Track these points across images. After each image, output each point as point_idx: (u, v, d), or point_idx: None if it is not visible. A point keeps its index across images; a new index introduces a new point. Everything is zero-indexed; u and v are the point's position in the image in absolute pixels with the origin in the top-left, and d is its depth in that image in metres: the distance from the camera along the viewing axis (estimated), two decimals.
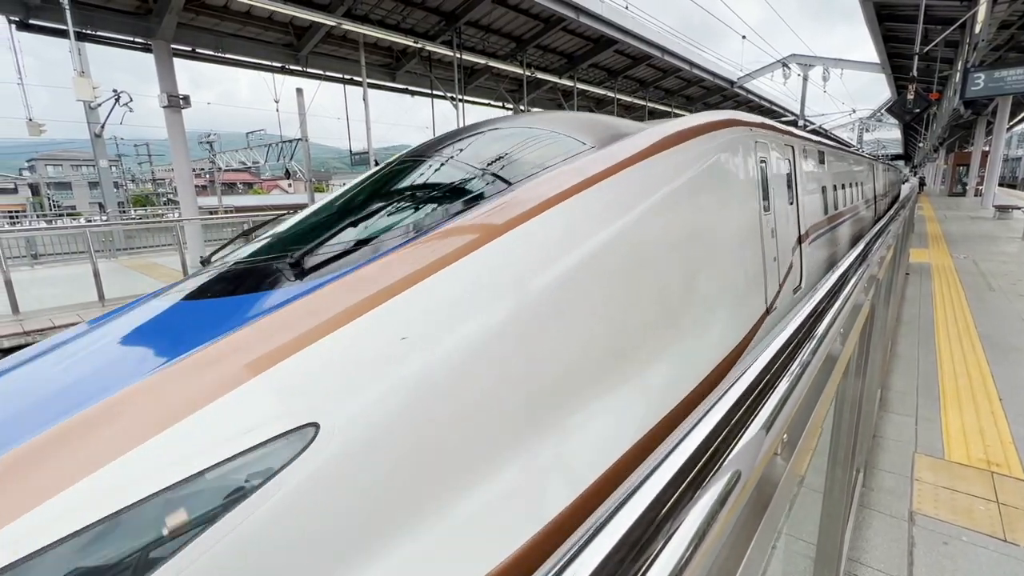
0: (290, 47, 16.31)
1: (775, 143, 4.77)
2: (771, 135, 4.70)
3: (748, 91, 31.53)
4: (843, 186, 9.00)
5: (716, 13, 27.88)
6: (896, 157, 68.98)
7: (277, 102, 22.30)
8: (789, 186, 5.14)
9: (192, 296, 2.13)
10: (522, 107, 21.90)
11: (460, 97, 19.47)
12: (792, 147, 5.45)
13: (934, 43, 15.18)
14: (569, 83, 23.06)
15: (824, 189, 7.12)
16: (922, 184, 48.15)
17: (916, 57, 14.90)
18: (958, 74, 18.14)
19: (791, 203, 5.11)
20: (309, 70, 17.30)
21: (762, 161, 4.24)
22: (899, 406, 3.90)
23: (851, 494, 2.21)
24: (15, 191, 58.07)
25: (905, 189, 19.72)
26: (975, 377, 4.39)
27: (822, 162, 7.28)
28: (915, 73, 15.38)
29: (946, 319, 6.09)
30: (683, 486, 0.48)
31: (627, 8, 18.77)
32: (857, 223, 10.50)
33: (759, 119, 4.62)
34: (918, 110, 14.91)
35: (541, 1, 15.26)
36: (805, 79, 31.30)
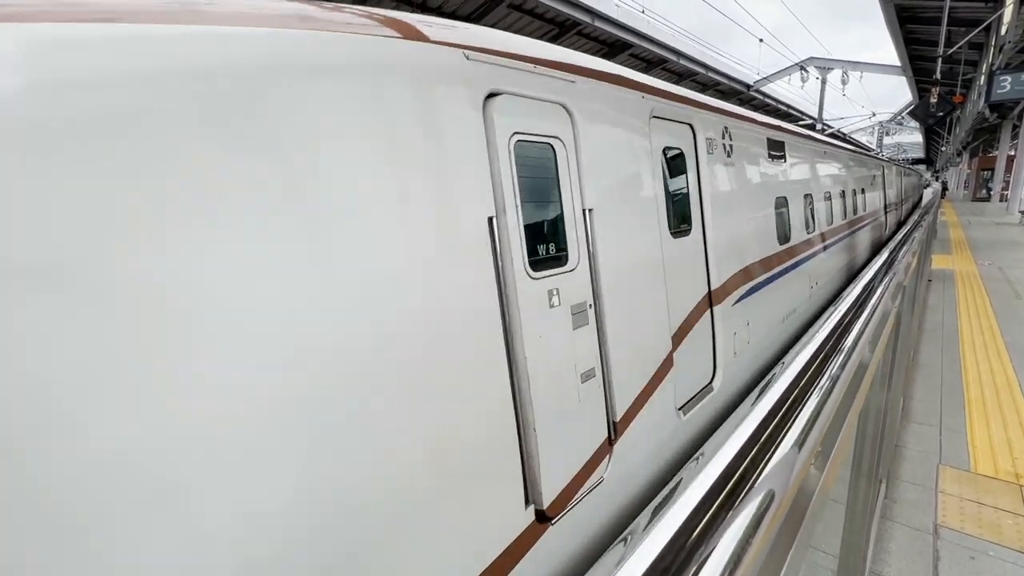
0: None
1: (605, 107, 2.32)
2: (586, 91, 2.19)
3: (765, 95, 31.23)
4: (825, 197, 6.23)
5: (733, 16, 27.74)
6: (917, 161, 67.72)
7: None
8: (675, 200, 2.86)
9: None
10: None
11: None
12: (690, 127, 3.09)
13: (958, 45, 14.88)
14: None
15: (784, 202, 4.62)
16: (944, 189, 47.26)
17: (939, 60, 14.63)
18: (983, 77, 17.77)
19: (682, 232, 2.87)
20: None
21: (531, 153, 1.86)
22: (922, 416, 3.81)
23: (873, 505, 2.16)
24: None
25: (927, 194, 19.31)
26: (1002, 387, 4.27)
27: (779, 159, 4.69)
28: (938, 76, 15.11)
29: (971, 327, 5.94)
30: (714, 508, 0.46)
31: (643, 12, 18.74)
32: (853, 248, 7.79)
33: (551, 51, 2.15)
34: (941, 113, 14.64)
35: (556, 6, 15.29)
36: (823, 82, 30.91)
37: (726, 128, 3.61)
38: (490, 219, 1.64)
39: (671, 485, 0.53)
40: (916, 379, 4.48)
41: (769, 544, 0.45)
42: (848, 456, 1.63)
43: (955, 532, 2.56)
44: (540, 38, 18.95)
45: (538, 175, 1.89)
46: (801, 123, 30.19)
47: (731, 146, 3.67)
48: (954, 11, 14.39)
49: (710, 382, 2.99)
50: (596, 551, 2.10)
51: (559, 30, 18.43)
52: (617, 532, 2.24)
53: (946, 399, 4.08)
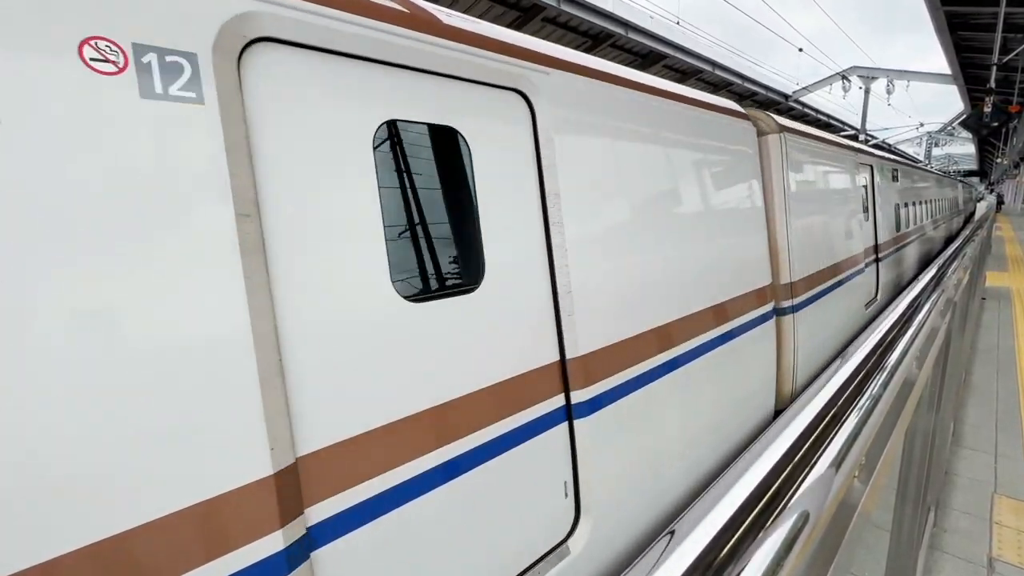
0: None
1: None
2: None
3: (804, 105, 30.42)
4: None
5: (773, 27, 27.24)
6: (970, 173, 64.65)
7: None
8: None
9: None
10: None
11: None
12: None
13: (1015, 52, 14.18)
14: None
15: None
16: (1000, 202, 44.87)
17: (994, 68, 13.98)
18: None
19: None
20: None
21: None
22: (975, 441, 3.59)
23: (921, 534, 2.04)
24: None
25: (982, 208, 18.30)
26: None
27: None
28: (992, 85, 14.42)
29: None
30: (744, 527, 0.45)
31: (678, 23, 18.63)
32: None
33: None
34: (996, 124, 13.92)
35: (590, 19, 15.37)
36: (867, 92, 29.92)
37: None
38: None
39: (697, 501, 0.52)
40: (968, 402, 4.24)
41: (803, 567, 0.44)
42: (893, 480, 1.55)
43: (1013, 567, 2.39)
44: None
45: None
46: (842, 134, 29.20)
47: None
48: (1010, 17, 13.75)
49: None
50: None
51: (592, 42, 18.50)
52: None
53: (1002, 425, 3.84)
